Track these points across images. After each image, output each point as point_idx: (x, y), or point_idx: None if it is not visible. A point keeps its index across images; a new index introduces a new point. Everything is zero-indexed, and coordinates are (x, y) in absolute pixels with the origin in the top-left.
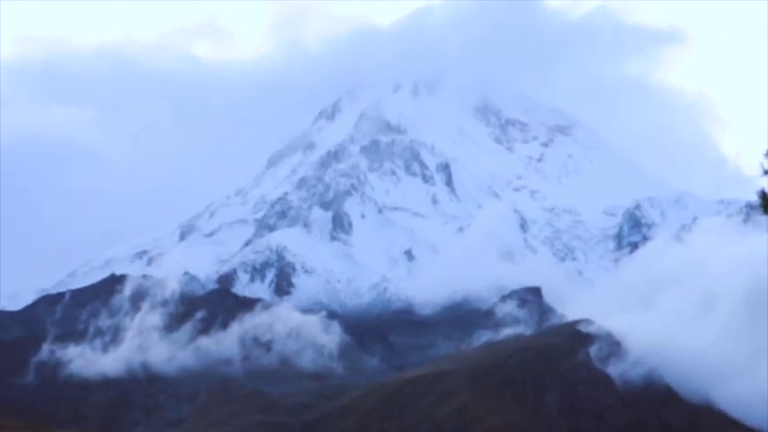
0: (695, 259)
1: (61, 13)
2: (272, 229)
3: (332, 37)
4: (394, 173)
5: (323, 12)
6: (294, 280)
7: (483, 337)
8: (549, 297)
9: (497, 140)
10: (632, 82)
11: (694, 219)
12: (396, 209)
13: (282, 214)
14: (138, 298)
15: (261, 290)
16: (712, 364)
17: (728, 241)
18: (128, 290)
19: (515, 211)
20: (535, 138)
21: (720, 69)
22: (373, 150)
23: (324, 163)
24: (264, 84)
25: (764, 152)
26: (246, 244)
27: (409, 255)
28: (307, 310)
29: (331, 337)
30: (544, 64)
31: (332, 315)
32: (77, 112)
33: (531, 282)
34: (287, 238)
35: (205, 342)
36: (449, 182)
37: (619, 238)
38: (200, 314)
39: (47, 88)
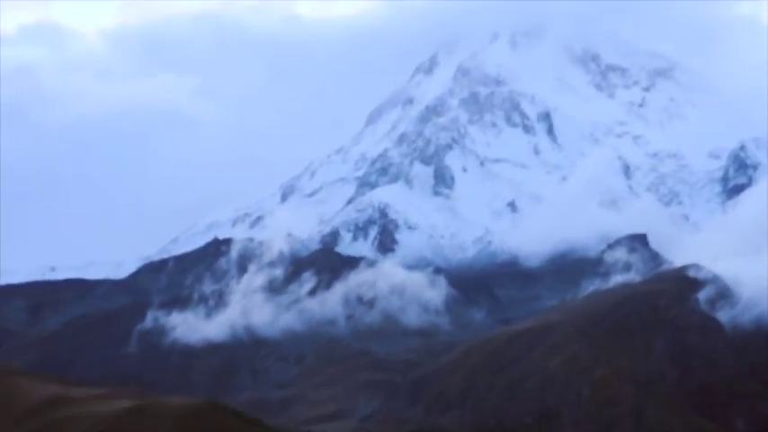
0: None
1: None
2: (373, 186)
3: None
4: (494, 124)
5: None
6: (397, 237)
7: (590, 286)
8: (655, 243)
9: (598, 87)
10: (737, 22)
11: None
12: (497, 161)
13: (383, 171)
14: (243, 261)
15: (364, 248)
16: None
17: None
18: (233, 253)
19: (618, 157)
20: (636, 83)
21: None
22: (472, 103)
23: (423, 118)
24: (365, 40)
25: None
26: (349, 202)
27: (513, 206)
28: (411, 267)
29: (436, 293)
30: (645, 8)
31: (437, 270)
32: (179, 79)
33: (636, 228)
34: (389, 195)
35: (310, 303)
36: (550, 131)
37: (724, 180)
38: (305, 275)
39: (148, 55)
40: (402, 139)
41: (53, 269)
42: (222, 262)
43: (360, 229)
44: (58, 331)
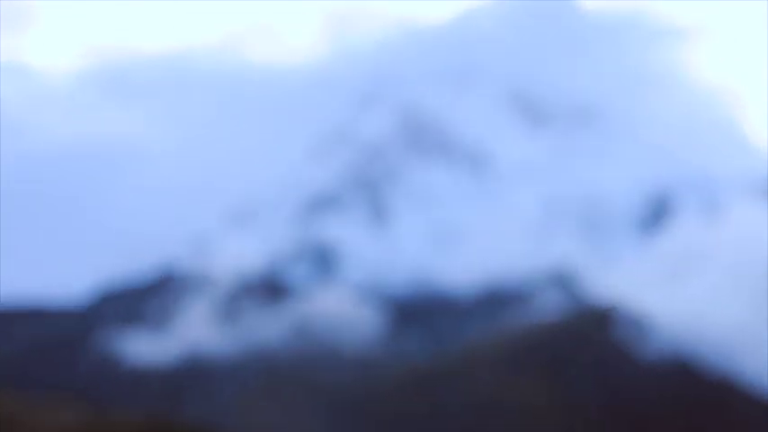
0: (723, 237)
1: (123, 21)
2: (315, 217)
3: (382, 37)
4: (432, 160)
5: (376, 13)
6: (337, 267)
7: (517, 318)
8: (578, 277)
9: (530, 128)
10: (661, 74)
11: (720, 198)
12: (434, 196)
13: (325, 203)
14: (189, 288)
15: (306, 277)
16: (740, 341)
17: (756, 219)
18: (180, 280)
19: (547, 194)
20: (565, 124)
21: (744, 61)
22: (411, 139)
23: (363, 152)
24: (313, 82)
25: None
26: (291, 233)
27: (447, 239)
28: (350, 297)
29: (373, 322)
30: (575, 55)
31: (374, 300)
32: (136, 114)
33: (561, 263)
34: (330, 227)
35: (254, 329)
36: (484, 168)
37: (647, 219)
38: (249, 302)
39: (108, 94)
40: (344, 171)
41: (7, 295)
42: (170, 288)
43: (302, 258)
44: (13, 354)
